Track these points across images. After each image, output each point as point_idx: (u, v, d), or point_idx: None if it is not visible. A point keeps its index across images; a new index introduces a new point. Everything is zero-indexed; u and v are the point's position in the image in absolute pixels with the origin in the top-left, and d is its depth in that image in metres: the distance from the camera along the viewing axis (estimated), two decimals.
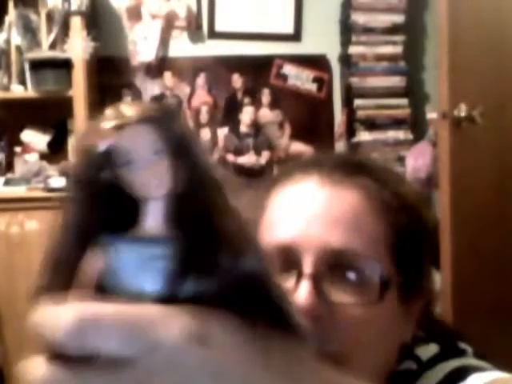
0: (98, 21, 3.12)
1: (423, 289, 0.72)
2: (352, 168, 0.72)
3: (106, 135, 0.34)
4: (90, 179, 0.34)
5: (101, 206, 0.34)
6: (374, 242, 0.67)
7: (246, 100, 3.29)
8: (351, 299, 0.65)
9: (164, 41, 3.23)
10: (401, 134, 3.28)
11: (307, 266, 0.65)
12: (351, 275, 0.66)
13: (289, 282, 0.66)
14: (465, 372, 0.67)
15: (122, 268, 0.33)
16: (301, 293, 0.64)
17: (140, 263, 0.33)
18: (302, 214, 0.69)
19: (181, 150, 0.34)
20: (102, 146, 0.34)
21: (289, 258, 0.67)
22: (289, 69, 3.31)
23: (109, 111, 0.36)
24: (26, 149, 3.05)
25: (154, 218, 0.34)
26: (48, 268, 0.35)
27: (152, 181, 0.33)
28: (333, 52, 3.30)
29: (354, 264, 0.66)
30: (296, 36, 3.31)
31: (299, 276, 0.65)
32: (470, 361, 0.71)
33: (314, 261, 0.66)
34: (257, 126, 3.30)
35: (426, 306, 0.74)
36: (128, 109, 0.35)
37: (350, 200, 0.68)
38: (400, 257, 0.69)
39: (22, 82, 2.91)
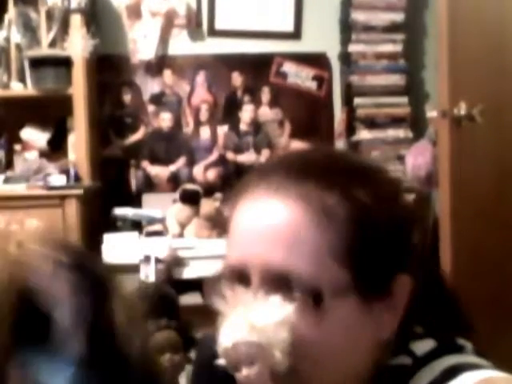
0: (98, 19, 3.12)
1: (392, 282, 0.70)
2: (301, 173, 0.71)
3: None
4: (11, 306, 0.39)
5: (19, 324, 0.39)
6: (316, 255, 0.67)
7: (246, 98, 3.29)
8: (298, 316, 0.66)
9: (164, 39, 3.23)
10: (401, 133, 3.28)
11: (254, 285, 0.68)
12: (295, 292, 0.66)
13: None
14: (459, 370, 0.67)
15: (39, 377, 0.37)
16: None
17: (52, 372, 0.37)
18: (249, 232, 0.70)
19: (80, 267, 0.38)
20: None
21: (241, 276, 0.70)
22: (289, 67, 3.31)
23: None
24: (26, 146, 3.05)
25: (61, 329, 0.38)
26: None
27: (55, 294, 0.38)
28: (333, 50, 3.30)
29: (296, 281, 0.66)
30: (296, 34, 3.31)
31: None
32: (467, 358, 0.70)
33: (260, 280, 0.68)
34: (256, 124, 3.30)
35: (432, 287, 0.75)
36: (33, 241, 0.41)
37: (290, 214, 0.69)
38: (356, 261, 0.68)
39: (22, 79, 2.91)
